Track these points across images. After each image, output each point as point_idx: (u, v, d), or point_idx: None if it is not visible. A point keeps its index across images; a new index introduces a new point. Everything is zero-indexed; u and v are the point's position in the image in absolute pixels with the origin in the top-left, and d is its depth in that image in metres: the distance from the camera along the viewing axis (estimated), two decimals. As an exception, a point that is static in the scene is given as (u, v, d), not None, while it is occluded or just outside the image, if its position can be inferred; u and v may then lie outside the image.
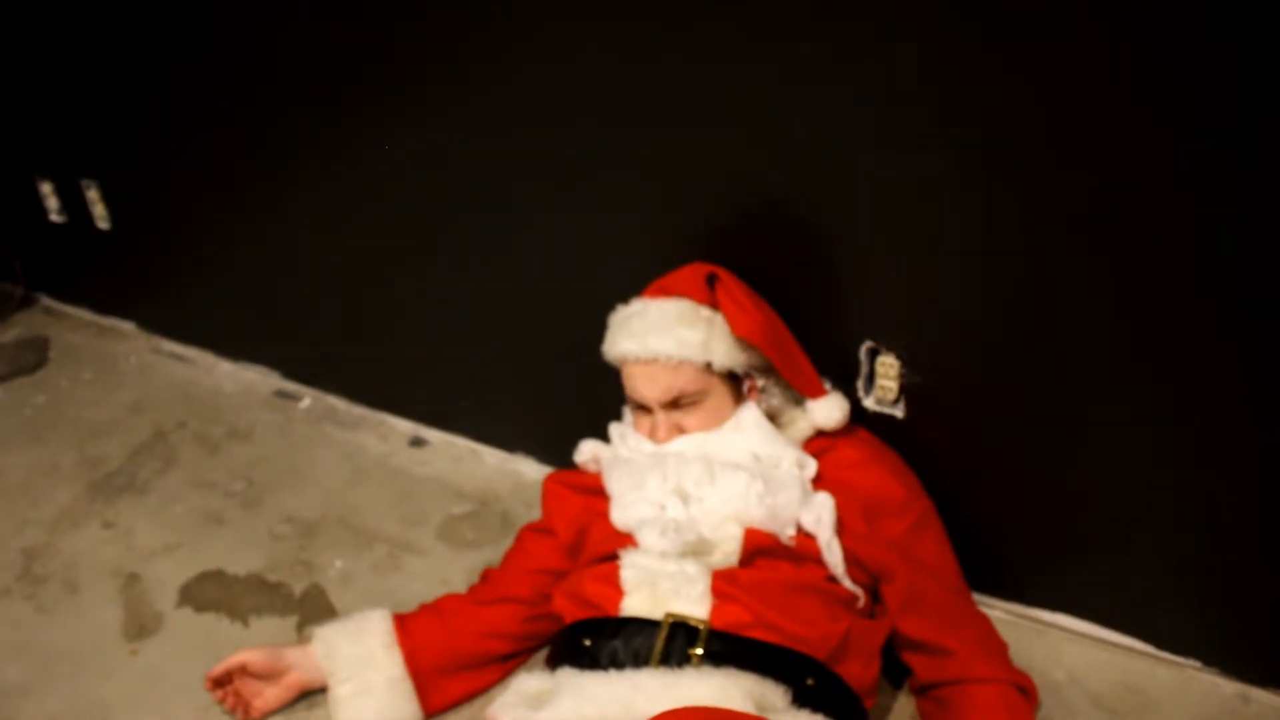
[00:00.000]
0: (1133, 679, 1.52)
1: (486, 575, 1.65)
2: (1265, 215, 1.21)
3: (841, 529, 1.42)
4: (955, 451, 1.57)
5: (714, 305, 1.52)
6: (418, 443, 2.16)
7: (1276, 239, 1.22)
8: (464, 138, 1.79)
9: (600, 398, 1.68)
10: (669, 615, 1.31)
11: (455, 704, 1.55)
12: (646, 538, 1.37)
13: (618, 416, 1.64)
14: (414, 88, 1.80)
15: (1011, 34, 1.25)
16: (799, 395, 1.55)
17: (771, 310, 1.54)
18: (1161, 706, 1.48)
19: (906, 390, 1.56)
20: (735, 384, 1.53)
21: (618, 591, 1.36)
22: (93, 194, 2.45)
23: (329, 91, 1.91)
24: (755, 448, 1.46)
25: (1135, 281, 1.32)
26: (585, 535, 1.51)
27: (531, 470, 2.04)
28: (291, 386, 2.36)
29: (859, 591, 1.42)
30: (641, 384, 1.49)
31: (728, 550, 1.38)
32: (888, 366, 1.55)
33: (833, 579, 1.40)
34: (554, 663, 1.39)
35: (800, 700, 1.26)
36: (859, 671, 1.35)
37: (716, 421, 1.50)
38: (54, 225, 2.59)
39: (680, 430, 1.49)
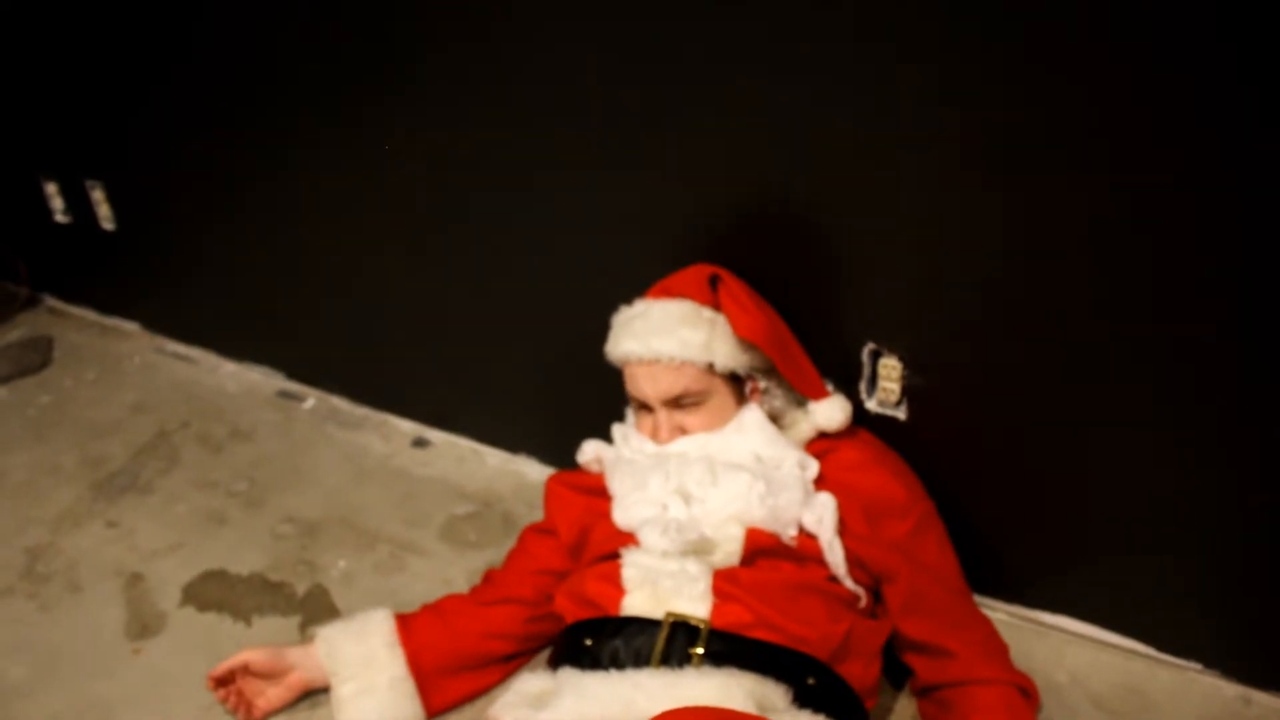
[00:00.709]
0: (1134, 681, 1.52)
1: (489, 576, 1.65)
2: (1266, 216, 1.21)
3: (843, 529, 1.42)
4: (957, 453, 1.57)
5: (716, 306, 1.52)
6: (420, 443, 2.17)
7: (1277, 240, 1.22)
8: (466, 138, 1.79)
9: (602, 399, 1.68)
10: (669, 615, 1.31)
11: (457, 704, 1.56)
12: (648, 537, 1.38)
13: (620, 417, 1.64)
14: (415, 88, 1.80)
15: (1012, 35, 1.26)
16: (801, 397, 1.55)
17: (774, 311, 1.54)
18: (1163, 708, 1.48)
19: (909, 392, 1.56)
20: (737, 385, 1.53)
21: (619, 590, 1.36)
22: (97, 195, 2.46)
23: (332, 92, 1.91)
24: (757, 448, 1.47)
25: (1136, 283, 1.32)
26: (587, 535, 1.51)
27: (534, 471, 2.04)
28: (294, 387, 2.37)
29: (860, 592, 1.42)
30: (644, 384, 1.49)
31: (729, 550, 1.38)
32: (890, 368, 1.56)
33: (834, 579, 1.40)
34: (555, 663, 1.39)
35: (801, 700, 1.25)
36: (860, 672, 1.35)
37: (719, 422, 1.50)
38: (59, 226, 2.60)
39: (682, 431, 1.50)
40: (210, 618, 1.76)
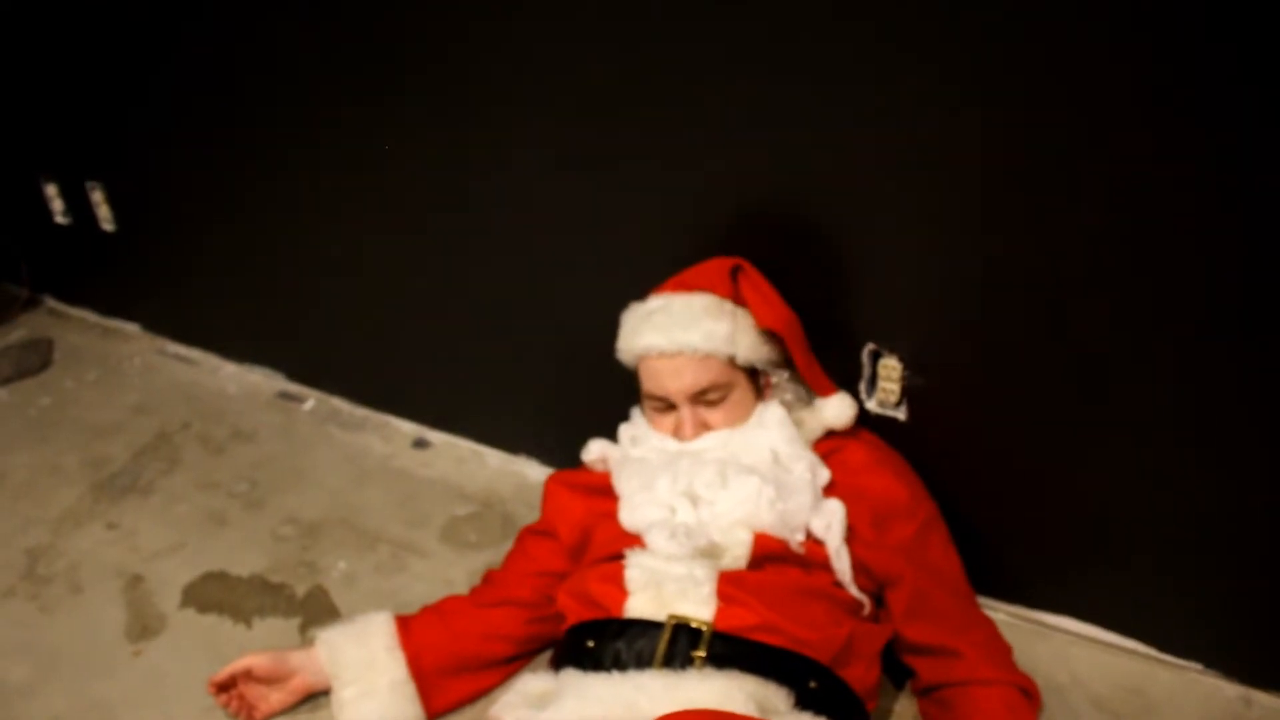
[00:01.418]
0: (1135, 682, 1.52)
1: (488, 577, 1.65)
2: (1267, 217, 1.21)
3: (851, 536, 1.41)
4: (958, 454, 1.57)
5: (736, 300, 1.51)
6: (421, 444, 2.17)
7: (1278, 239, 1.22)
8: (467, 139, 1.79)
9: (603, 399, 1.68)
10: (672, 617, 1.31)
11: (458, 705, 1.56)
12: (655, 540, 1.37)
13: (622, 417, 1.63)
14: (416, 87, 1.80)
15: (1014, 34, 1.25)
16: (808, 395, 1.55)
17: (789, 305, 1.54)
18: (1163, 709, 1.48)
19: (909, 393, 1.56)
20: (754, 380, 1.53)
21: (622, 592, 1.36)
22: (98, 196, 2.45)
23: (331, 92, 1.91)
24: (777, 445, 1.45)
25: (1137, 284, 1.32)
26: (590, 536, 1.50)
27: (534, 472, 2.04)
28: (295, 388, 2.37)
29: (865, 599, 1.41)
30: (667, 378, 1.47)
31: (736, 555, 1.37)
32: (890, 369, 1.55)
33: (839, 584, 1.40)
34: (557, 664, 1.39)
35: (803, 703, 1.25)
36: (861, 674, 1.35)
37: (740, 418, 1.49)
38: (59, 227, 2.60)
39: (706, 427, 1.48)
40: (211, 619, 1.76)
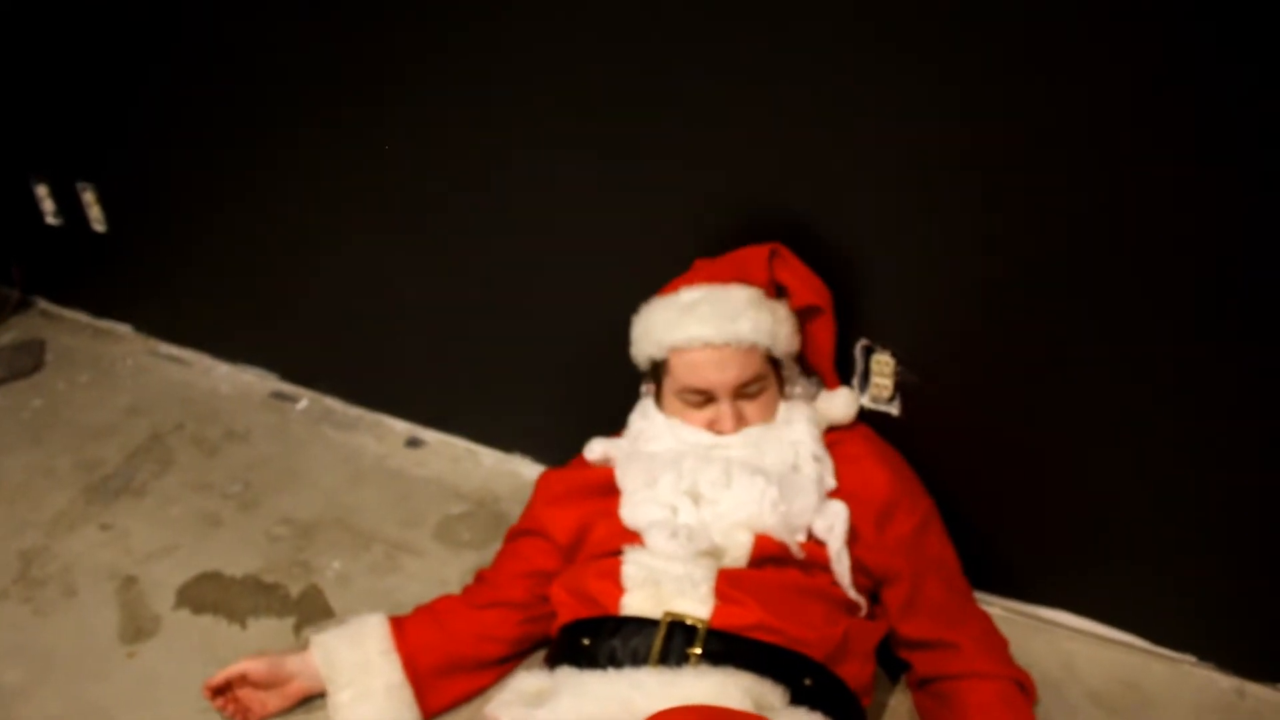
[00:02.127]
0: (1130, 674, 1.53)
1: (480, 576, 1.64)
2: (1267, 216, 1.21)
3: (853, 537, 1.41)
4: (951, 449, 1.57)
5: (769, 291, 1.50)
6: (415, 443, 2.16)
7: (1277, 241, 1.22)
8: (461, 140, 1.79)
9: (598, 397, 1.68)
10: (668, 614, 1.31)
11: (454, 705, 1.55)
12: (655, 540, 1.37)
13: (617, 415, 1.62)
14: (412, 87, 1.80)
15: (1012, 36, 1.25)
16: (815, 390, 1.55)
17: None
18: (1158, 701, 1.48)
19: (902, 388, 1.57)
20: (779, 376, 1.52)
21: (619, 588, 1.36)
22: (89, 197, 2.44)
23: (326, 91, 1.91)
24: (803, 443, 1.45)
25: (1133, 281, 1.32)
26: (587, 534, 1.50)
27: (529, 471, 2.04)
28: (288, 388, 2.36)
29: (862, 601, 1.41)
30: (711, 371, 1.45)
31: (736, 555, 1.37)
32: (883, 364, 1.56)
33: (837, 585, 1.40)
34: (553, 661, 1.39)
35: (798, 700, 1.26)
36: (856, 671, 1.36)
37: (771, 413, 1.48)
38: (50, 228, 2.59)
39: (744, 420, 1.47)
40: (205, 620, 1.75)
